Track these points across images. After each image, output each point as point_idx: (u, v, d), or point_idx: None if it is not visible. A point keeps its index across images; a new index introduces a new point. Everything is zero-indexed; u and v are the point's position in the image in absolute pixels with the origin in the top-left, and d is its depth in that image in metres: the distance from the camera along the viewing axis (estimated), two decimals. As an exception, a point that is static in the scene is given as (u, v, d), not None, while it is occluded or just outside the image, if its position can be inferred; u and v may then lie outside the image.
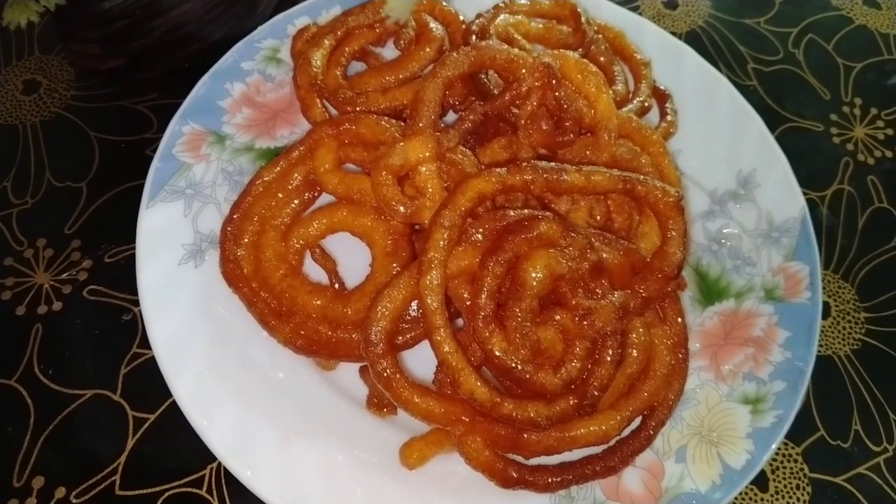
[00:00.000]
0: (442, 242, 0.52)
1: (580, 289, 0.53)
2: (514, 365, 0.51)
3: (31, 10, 0.66)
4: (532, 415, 0.51)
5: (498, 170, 0.54)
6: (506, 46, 0.62)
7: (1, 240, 0.73)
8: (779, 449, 0.66)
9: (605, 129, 0.61)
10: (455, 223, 0.52)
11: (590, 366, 0.54)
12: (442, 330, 0.51)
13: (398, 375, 0.52)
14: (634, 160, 0.64)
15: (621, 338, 0.55)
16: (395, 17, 0.71)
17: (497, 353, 0.51)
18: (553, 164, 0.55)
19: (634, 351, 0.57)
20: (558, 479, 0.54)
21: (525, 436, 0.53)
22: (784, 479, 0.65)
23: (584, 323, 0.53)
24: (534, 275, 0.52)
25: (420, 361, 0.59)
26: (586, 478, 0.55)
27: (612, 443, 0.56)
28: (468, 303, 0.52)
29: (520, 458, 0.55)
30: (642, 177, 0.58)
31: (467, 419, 0.52)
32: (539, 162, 0.55)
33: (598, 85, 0.62)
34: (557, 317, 0.53)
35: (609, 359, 0.53)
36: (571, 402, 0.52)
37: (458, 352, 0.51)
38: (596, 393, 0.53)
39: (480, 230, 0.53)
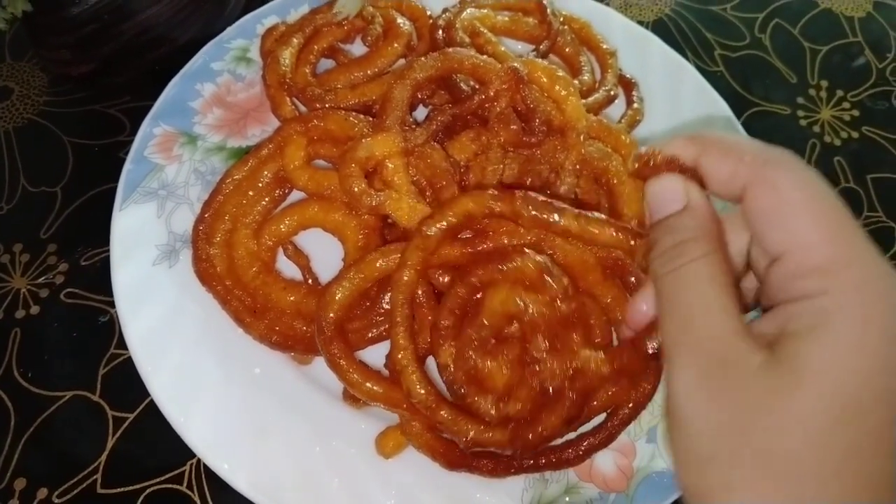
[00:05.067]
0: (420, 248, 0.52)
1: (539, 335, 0.49)
2: (449, 378, 0.51)
3: (-2, 17, 0.67)
4: (460, 432, 0.49)
5: (491, 195, 0.51)
6: (473, 52, 0.64)
7: (-23, 246, 0.73)
8: (749, 427, 0.67)
9: (573, 130, 0.62)
10: (434, 236, 0.52)
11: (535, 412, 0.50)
12: (399, 326, 0.51)
13: (345, 359, 0.53)
14: (604, 160, 0.65)
15: (582, 399, 0.50)
16: (345, 12, 0.72)
17: (440, 362, 0.51)
18: (550, 202, 0.50)
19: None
20: (503, 467, 0.53)
21: None
22: (755, 455, 0.66)
23: (530, 370, 0.49)
24: (489, 306, 0.50)
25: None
26: (537, 469, 0.54)
27: (572, 436, 0.55)
28: (428, 315, 0.53)
29: None
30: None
31: (406, 406, 0.53)
32: (534, 196, 0.50)
33: (565, 88, 0.63)
34: (508, 353, 0.50)
35: (558, 416, 0.49)
36: (507, 436, 0.49)
37: (409, 350, 0.51)
38: (533, 438, 0.49)
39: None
